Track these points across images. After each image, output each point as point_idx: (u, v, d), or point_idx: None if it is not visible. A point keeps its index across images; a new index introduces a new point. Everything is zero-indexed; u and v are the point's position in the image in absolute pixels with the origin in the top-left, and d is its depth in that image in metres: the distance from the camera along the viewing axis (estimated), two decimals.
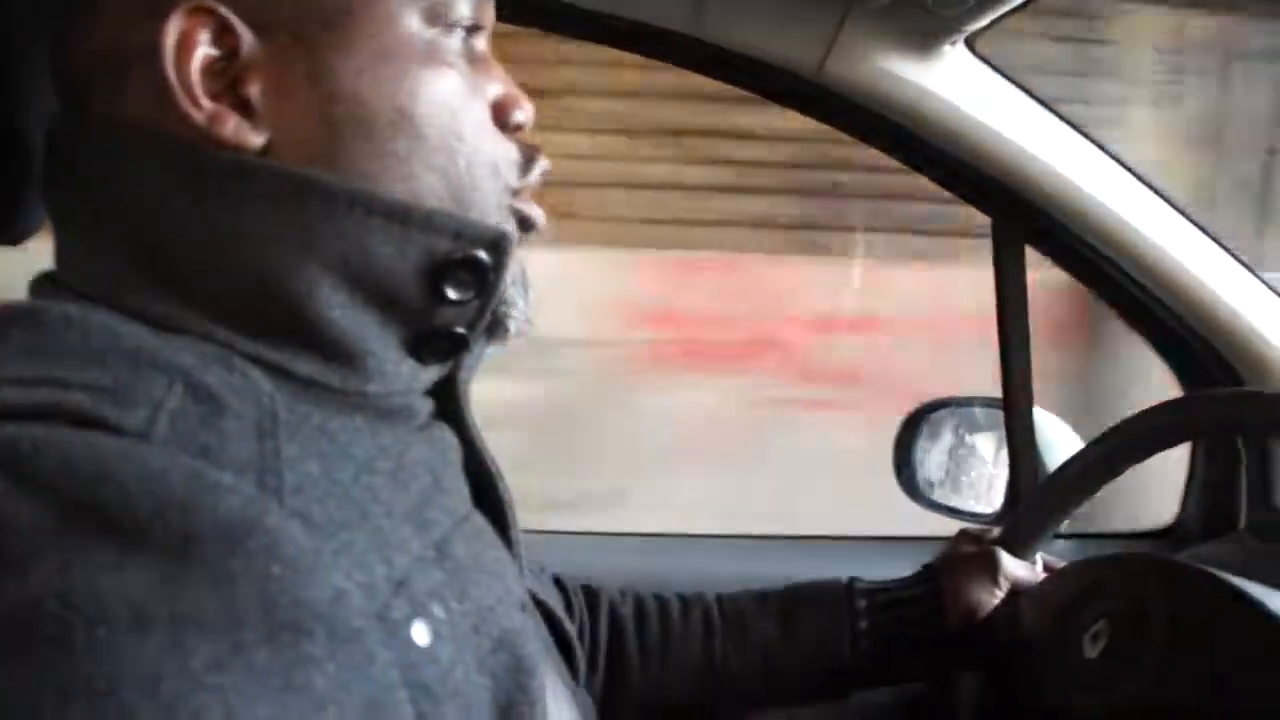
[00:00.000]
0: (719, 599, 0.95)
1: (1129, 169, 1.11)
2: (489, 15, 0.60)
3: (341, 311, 0.53)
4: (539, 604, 0.69)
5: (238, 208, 0.51)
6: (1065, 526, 0.99)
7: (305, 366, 0.53)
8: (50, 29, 0.56)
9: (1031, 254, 1.16)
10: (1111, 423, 0.93)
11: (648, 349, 4.09)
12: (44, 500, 0.40)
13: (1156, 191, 1.11)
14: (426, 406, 0.61)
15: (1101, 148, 1.10)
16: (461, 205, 0.56)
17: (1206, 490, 1.22)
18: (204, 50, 0.51)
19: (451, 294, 0.55)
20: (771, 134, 4.03)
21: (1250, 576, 0.81)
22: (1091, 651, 0.83)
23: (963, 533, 1.02)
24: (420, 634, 0.50)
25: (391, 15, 0.54)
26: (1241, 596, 0.78)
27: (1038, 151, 1.08)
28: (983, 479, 1.23)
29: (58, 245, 0.55)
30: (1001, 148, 1.08)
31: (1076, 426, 1.20)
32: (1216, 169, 4.44)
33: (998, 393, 1.19)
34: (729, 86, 1.09)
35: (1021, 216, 1.12)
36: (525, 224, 0.60)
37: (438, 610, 0.52)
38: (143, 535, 0.41)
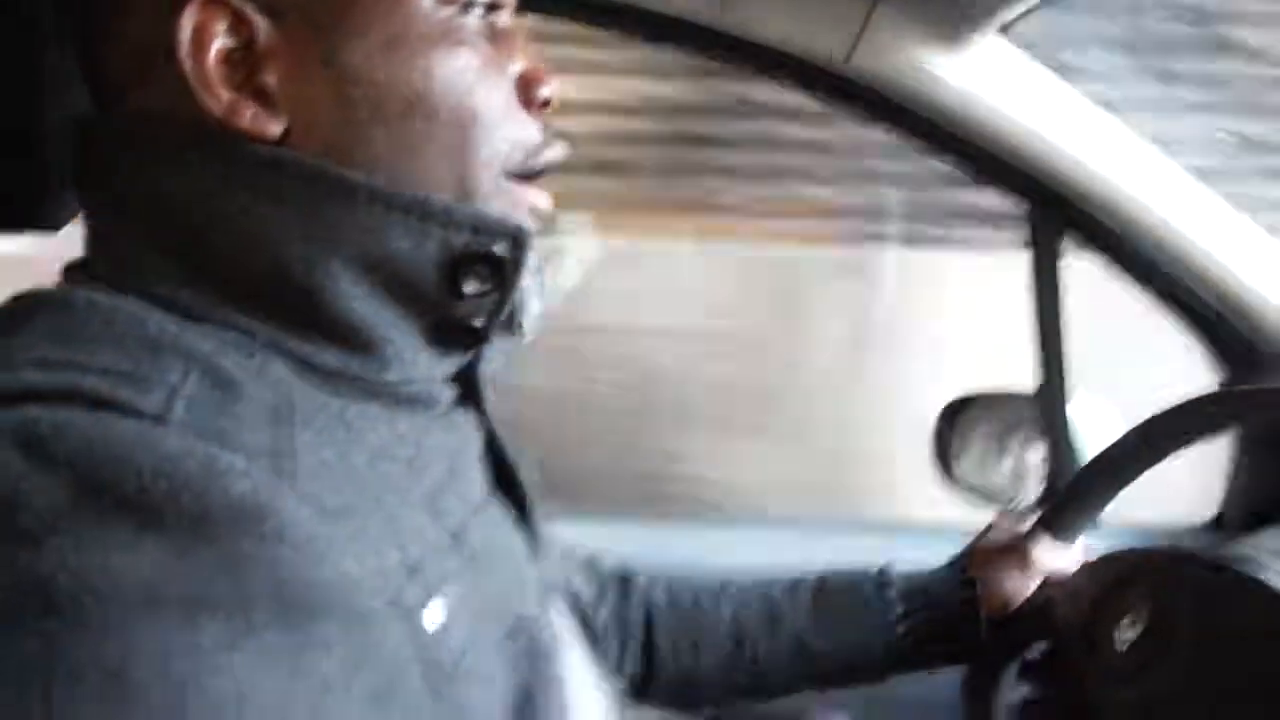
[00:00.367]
0: (751, 585, 0.95)
1: (1166, 156, 1.09)
2: None
3: (360, 302, 0.53)
4: (563, 590, 0.69)
5: (259, 200, 0.52)
6: (1104, 516, 0.97)
7: (324, 355, 0.54)
8: (79, 26, 0.57)
9: None
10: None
11: None
12: (60, 479, 0.41)
13: (1194, 178, 1.09)
14: (447, 394, 0.61)
15: (1137, 136, 1.09)
16: (473, 189, 0.56)
17: (1248, 482, 1.20)
18: (221, 41, 0.51)
19: (468, 288, 0.55)
20: None
21: None
22: (1123, 643, 0.82)
23: (998, 519, 1.01)
24: (433, 618, 0.50)
25: None
26: (1273, 593, 0.76)
27: (1074, 140, 1.07)
28: (1021, 468, 1.22)
29: (88, 234, 0.56)
30: (1037, 137, 1.07)
31: None
32: None
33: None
34: None
35: (1058, 205, 1.11)
36: (533, 213, 0.60)
37: (451, 595, 0.52)
38: (156, 516, 0.41)
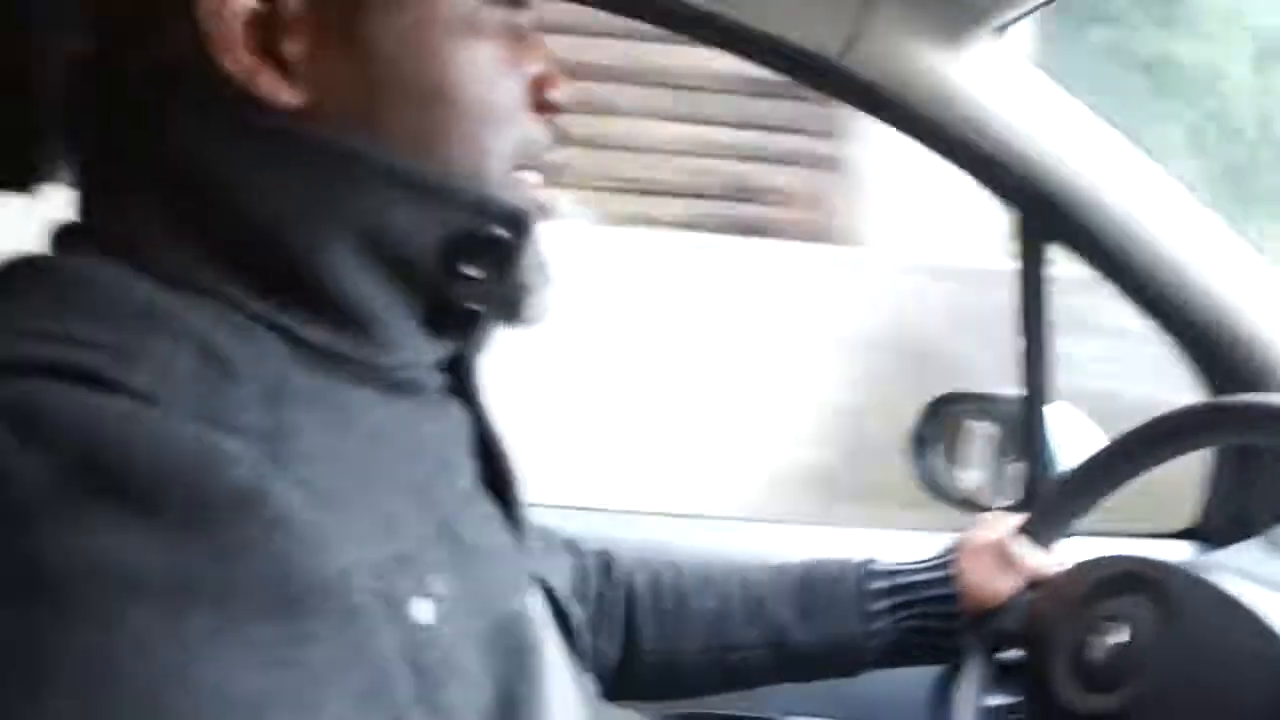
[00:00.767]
0: (735, 573, 0.95)
1: (1157, 167, 1.09)
2: None
3: (356, 279, 0.52)
4: (543, 584, 0.69)
5: (264, 167, 0.51)
6: (1085, 523, 0.98)
7: (316, 332, 0.52)
8: None
9: None
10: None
11: None
12: (49, 458, 0.40)
13: (1183, 190, 1.09)
14: (436, 381, 0.60)
15: (1131, 145, 1.09)
16: (482, 178, 0.56)
17: (1228, 493, 1.20)
18: (247, 1, 0.50)
19: (466, 269, 0.55)
20: None
21: (1267, 584, 0.80)
22: (1101, 650, 0.82)
23: (983, 518, 1.01)
24: (422, 612, 0.50)
25: None
26: (1248, 609, 0.77)
27: (1066, 147, 1.07)
28: (1000, 472, 1.22)
29: (80, 194, 0.55)
30: (1028, 142, 1.07)
31: None
32: None
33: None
34: None
35: (1046, 212, 1.10)
36: (538, 206, 0.59)
37: (439, 588, 0.51)
38: (147, 500, 0.41)
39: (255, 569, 0.41)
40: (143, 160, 0.52)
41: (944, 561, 0.95)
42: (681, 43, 1.15)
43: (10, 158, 0.62)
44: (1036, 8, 1.00)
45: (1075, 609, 0.86)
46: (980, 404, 1.25)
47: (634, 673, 0.91)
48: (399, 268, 0.54)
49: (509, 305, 0.58)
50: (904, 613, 0.92)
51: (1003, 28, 1.05)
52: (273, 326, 0.51)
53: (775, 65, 1.08)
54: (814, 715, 1.14)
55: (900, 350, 3.96)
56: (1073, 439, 1.16)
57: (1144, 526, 1.26)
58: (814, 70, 1.05)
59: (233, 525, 0.41)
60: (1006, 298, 1.17)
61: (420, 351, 0.57)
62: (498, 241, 0.55)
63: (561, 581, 0.74)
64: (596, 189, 4.36)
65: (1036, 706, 0.88)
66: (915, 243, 4.40)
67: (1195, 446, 0.92)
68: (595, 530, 1.02)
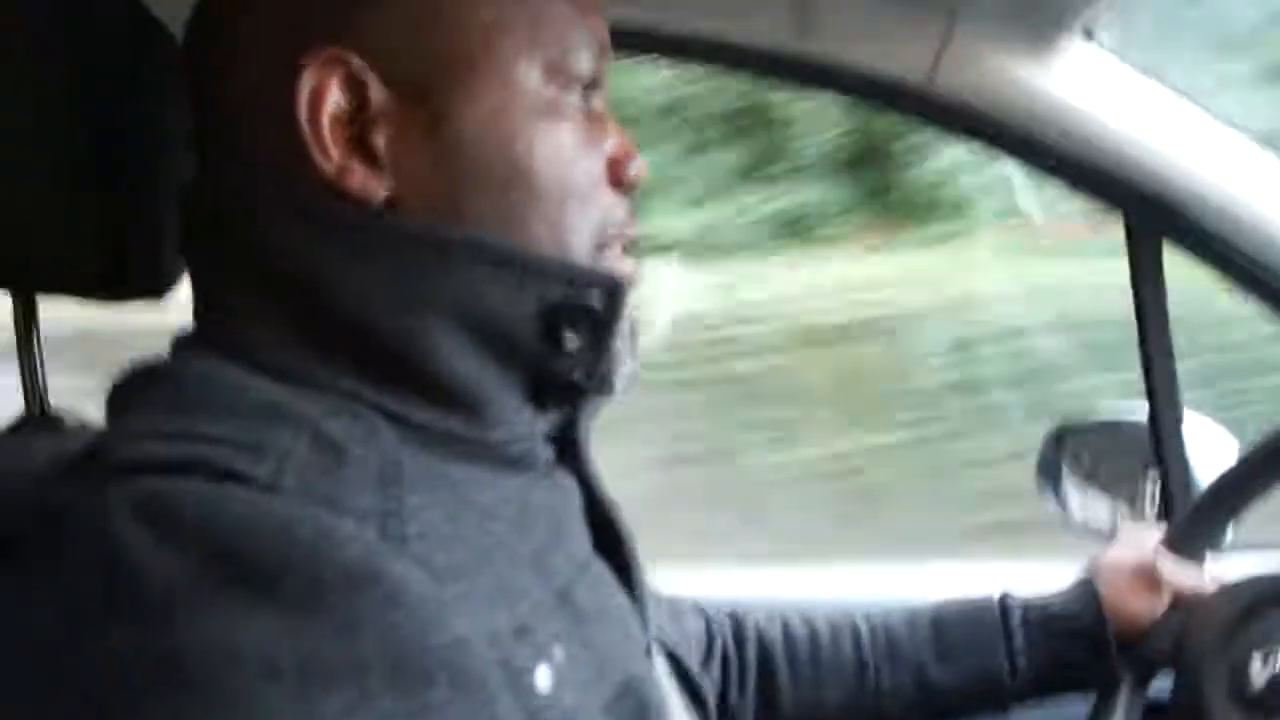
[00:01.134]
0: (867, 619, 0.93)
1: (1266, 151, 1.04)
2: (606, 72, 0.61)
3: (462, 361, 0.54)
4: (665, 648, 0.68)
5: (362, 261, 0.53)
6: (1231, 537, 0.93)
7: (427, 415, 0.54)
8: (186, 87, 0.58)
9: None
10: None
11: None
12: (183, 552, 0.42)
13: None
14: (546, 453, 0.61)
15: (1236, 131, 1.04)
16: (568, 255, 0.57)
17: None
18: (335, 100, 0.52)
19: (567, 340, 0.55)
20: None
21: None
22: (1259, 675, 0.77)
23: (1121, 537, 0.97)
24: (543, 680, 0.50)
25: (514, 71, 0.55)
26: None
27: (1172, 143, 1.03)
28: (1133, 493, 1.17)
29: (195, 299, 0.58)
30: (1131, 142, 1.03)
31: None
32: None
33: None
34: None
35: (1157, 213, 1.06)
36: (628, 280, 0.60)
37: (559, 656, 0.52)
38: (272, 585, 0.42)
39: (377, 644, 0.42)
40: (247, 262, 0.54)
41: (1083, 587, 0.92)
42: None
43: (147, 269, 0.65)
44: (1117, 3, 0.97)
45: (1230, 631, 0.81)
46: (1103, 426, 1.20)
47: None
48: (499, 344, 0.55)
49: (602, 376, 0.58)
50: (1047, 643, 0.90)
51: (1090, 28, 1.02)
52: (383, 412, 0.53)
53: (864, 98, 1.07)
54: None
55: None
56: (1206, 449, 1.11)
57: None
58: (904, 99, 1.04)
59: (354, 601, 0.42)
60: None
61: (527, 425, 0.58)
62: (592, 312, 0.56)
63: (686, 645, 0.74)
64: None
65: None
66: None
67: None
68: (716, 586, 1.01)
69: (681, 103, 5.08)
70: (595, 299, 0.56)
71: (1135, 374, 1.11)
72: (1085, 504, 1.17)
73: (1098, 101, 1.03)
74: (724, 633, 0.91)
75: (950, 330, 4.98)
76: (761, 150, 5.52)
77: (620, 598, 0.63)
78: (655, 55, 1.06)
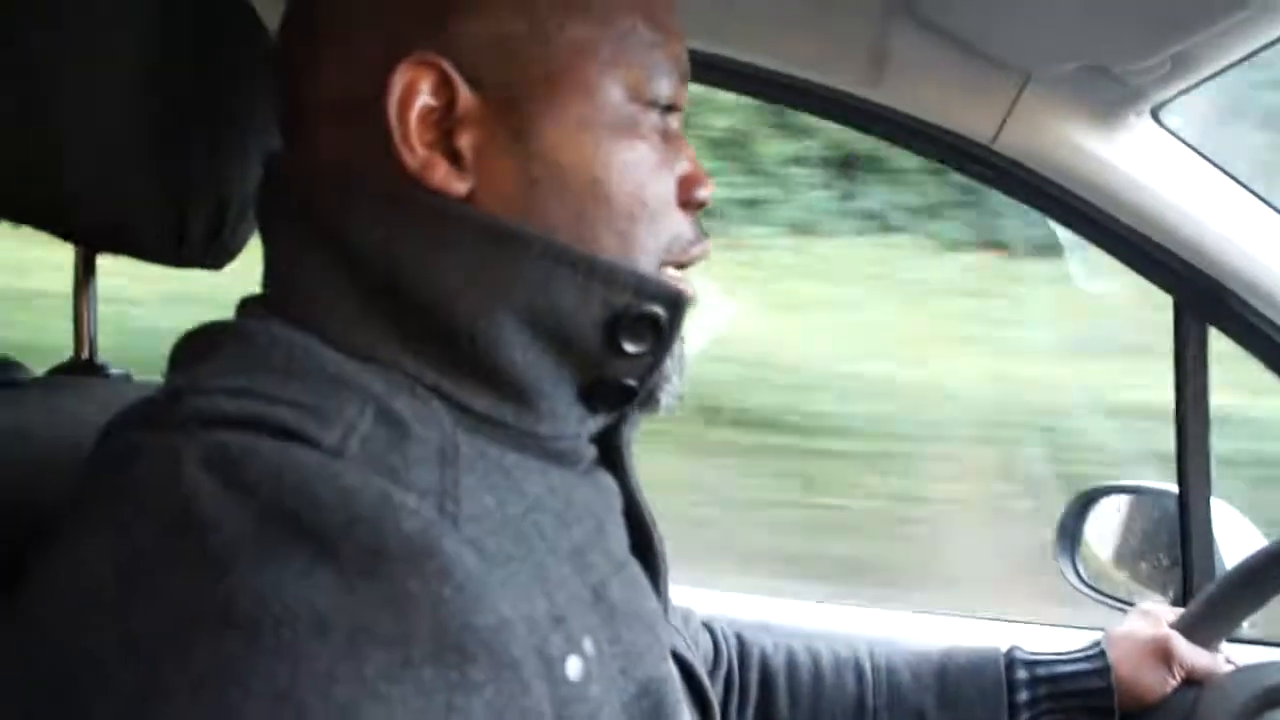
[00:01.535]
0: (872, 656, 0.94)
1: None
2: (684, 96, 0.62)
3: (523, 354, 0.56)
4: (679, 659, 0.69)
5: (437, 249, 0.55)
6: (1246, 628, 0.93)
7: (482, 402, 0.56)
8: (272, 73, 0.61)
9: None
10: None
11: None
12: (248, 504, 0.44)
13: None
14: (591, 452, 0.63)
15: None
16: (634, 267, 0.58)
17: None
18: (424, 100, 0.54)
19: (627, 346, 0.57)
20: None
21: None
22: None
23: (1137, 610, 0.97)
24: (573, 669, 0.51)
25: (598, 87, 0.57)
26: None
27: (1226, 229, 1.04)
28: (1152, 569, 1.17)
29: (268, 269, 0.59)
30: (1186, 225, 1.04)
31: None
32: None
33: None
34: None
35: (1205, 297, 1.07)
36: (689, 298, 0.61)
37: (590, 649, 0.53)
38: (332, 547, 0.43)
39: (425, 616, 0.43)
40: (325, 241, 0.56)
41: (1095, 653, 0.92)
42: None
43: (206, 240, 0.68)
44: (1191, 87, 0.98)
45: (1244, 714, 0.81)
46: (1132, 498, 1.20)
47: None
48: (560, 342, 0.56)
49: (651, 388, 0.60)
50: (1049, 704, 0.90)
51: (1157, 109, 1.03)
52: (442, 395, 0.55)
53: (927, 151, 1.09)
54: None
55: None
56: (1230, 536, 1.11)
57: None
58: (966, 155, 1.06)
59: (407, 574, 0.44)
60: None
61: (577, 424, 0.60)
62: (654, 322, 0.57)
63: (697, 658, 0.75)
64: None
65: None
66: None
67: None
68: (729, 610, 1.02)
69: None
70: (659, 310, 0.57)
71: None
72: (1103, 572, 1.17)
73: (1157, 181, 1.04)
74: (729, 653, 0.92)
75: None
76: None
77: (651, 600, 0.64)
78: (730, 89, 1.08)
